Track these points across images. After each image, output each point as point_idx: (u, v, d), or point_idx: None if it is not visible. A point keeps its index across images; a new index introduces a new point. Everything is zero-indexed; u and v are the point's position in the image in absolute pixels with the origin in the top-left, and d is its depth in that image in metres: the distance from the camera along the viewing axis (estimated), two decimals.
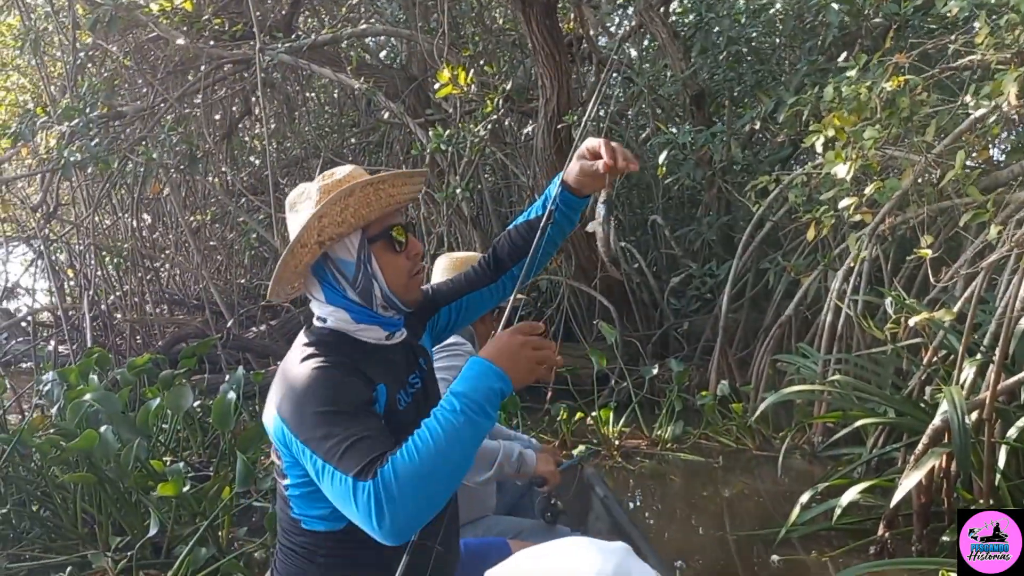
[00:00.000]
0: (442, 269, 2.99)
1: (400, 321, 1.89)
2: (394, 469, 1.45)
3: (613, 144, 1.81)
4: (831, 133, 4.20)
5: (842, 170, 4.06)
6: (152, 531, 3.06)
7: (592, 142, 1.84)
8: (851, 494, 3.57)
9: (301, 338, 1.80)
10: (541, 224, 1.94)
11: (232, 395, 3.79)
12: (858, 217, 4.33)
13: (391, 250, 1.79)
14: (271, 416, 1.68)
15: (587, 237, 6.98)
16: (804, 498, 3.76)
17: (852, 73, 4.30)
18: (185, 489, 3.26)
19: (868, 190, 4.09)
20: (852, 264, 4.89)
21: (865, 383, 4.51)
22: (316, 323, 1.84)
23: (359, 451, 1.49)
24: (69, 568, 3.22)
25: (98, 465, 3.39)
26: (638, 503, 4.83)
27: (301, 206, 1.80)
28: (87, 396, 3.65)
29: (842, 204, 4.18)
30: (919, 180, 4.34)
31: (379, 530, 1.44)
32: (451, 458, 1.48)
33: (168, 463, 3.77)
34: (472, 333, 2.92)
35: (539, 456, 2.77)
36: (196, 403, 4.76)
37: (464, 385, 1.56)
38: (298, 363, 1.69)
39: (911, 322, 3.64)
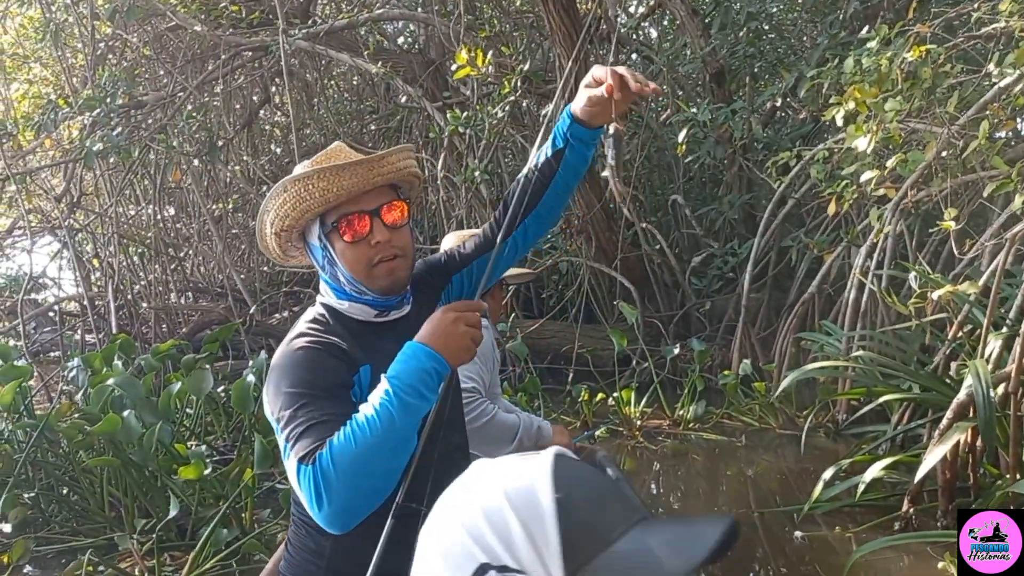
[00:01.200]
0: (449, 244, 2.97)
1: (394, 300, 1.83)
2: (331, 454, 1.45)
3: (620, 69, 1.67)
4: (852, 106, 4.14)
5: (863, 143, 4.00)
6: (172, 513, 3.09)
7: (598, 70, 1.70)
8: (875, 470, 3.54)
9: (306, 314, 1.81)
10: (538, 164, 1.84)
11: (252, 379, 3.82)
12: (881, 191, 4.28)
13: (343, 240, 1.76)
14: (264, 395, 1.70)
15: (607, 218, 6.96)
16: (827, 475, 3.73)
17: (873, 45, 4.23)
18: (207, 472, 3.28)
19: (890, 163, 4.03)
20: (875, 239, 4.82)
21: (889, 359, 4.46)
22: (318, 298, 1.85)
23: (311, 434, 1.49)
24: (90, 551, 3.25)
25: (122, 449, 3.42)
26: (661, 483, 4.81)
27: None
28: (110, 381, 3.68)
29: (864, 178, 4.12)
30: (942, 152, 4.26)
31: (320, 514, 1.44)
32: (388, 441, 1.47)
33: (192, 447, 3.81)
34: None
35: (555, 428, 2.78)
36: (220, 388, 4.81)
37: (396, 368, 1.55)
38: (288, 342, 1.70)
39: (935, 296, 3.59)
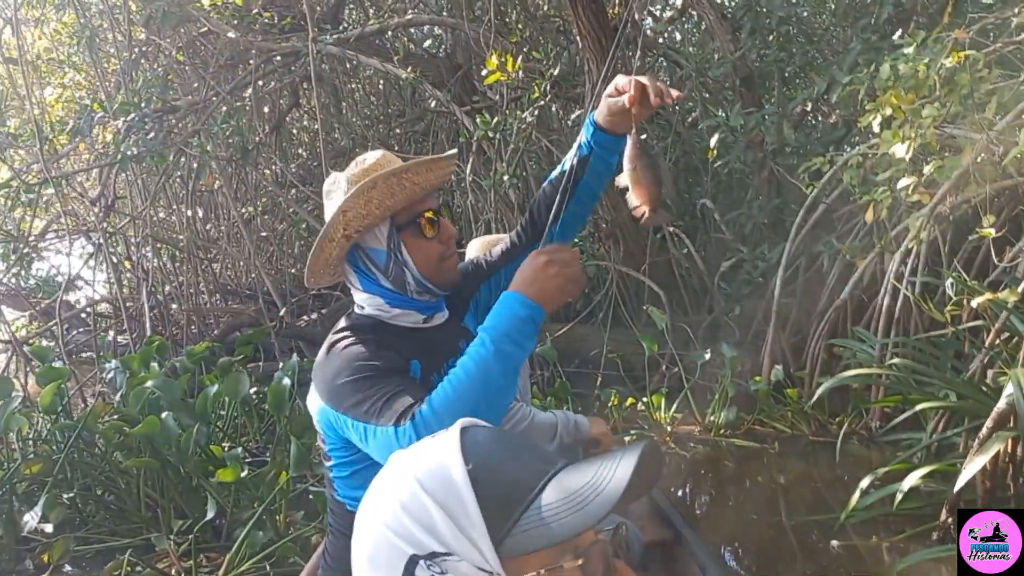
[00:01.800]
0: (474, 252, 2.97)
1: (439, 303, 1.89)
2: (431, 407, 1.48)
3: (643, 79, 1.68)
4: (888, 112, 4.12)
5: (901, 149, 3.98)
6: (209, 514, 3.13)
7: (620, 79, 1.73)
8: (913, 479, 3.50)
9: (339, 324, 1.83)
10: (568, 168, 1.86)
11: (287, 381, 3.85)
12: (916, 197, 4.24)
13: (421, 236, 1.79)
14: (313, 399, 1.71)
15: (635, 222, 6.94)
16: (864, 483, 3.69)
17: (909, 50, 4.20)
18: (243, 474, 3.31)
19: (927, 169, 4.00)
20: (910, 245, 4.78)
21: (924, 366, 4.42)
22: (356, 310, 1.86)
23: (394, 404, 1.53)
24: (129, 551, 3.29)
25: (159, 450, 3.46)
26: (692, 489, 4.80)
27: (333, 195, 1.83)
28: (148, 383, 3.72)
29: (900, 184, 4.10)
30: (980, 159, 4.22)
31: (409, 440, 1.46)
32: (486, 389, 1.51)
33: (227, 448, 3.84)
34: None
35: (591, 420, 2.78)
36: (252, 390, 4.85)
37: (491, 320, 1.59)
38: (331, 346, 1.74)
39: (973, 303, 3.56)
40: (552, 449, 2.62)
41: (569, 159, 1.91)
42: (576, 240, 6.91)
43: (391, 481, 0.88)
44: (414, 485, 0.84)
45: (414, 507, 0.83)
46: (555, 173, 1.97)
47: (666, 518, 3.07)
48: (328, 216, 1.79)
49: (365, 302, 1.84)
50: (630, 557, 0.91)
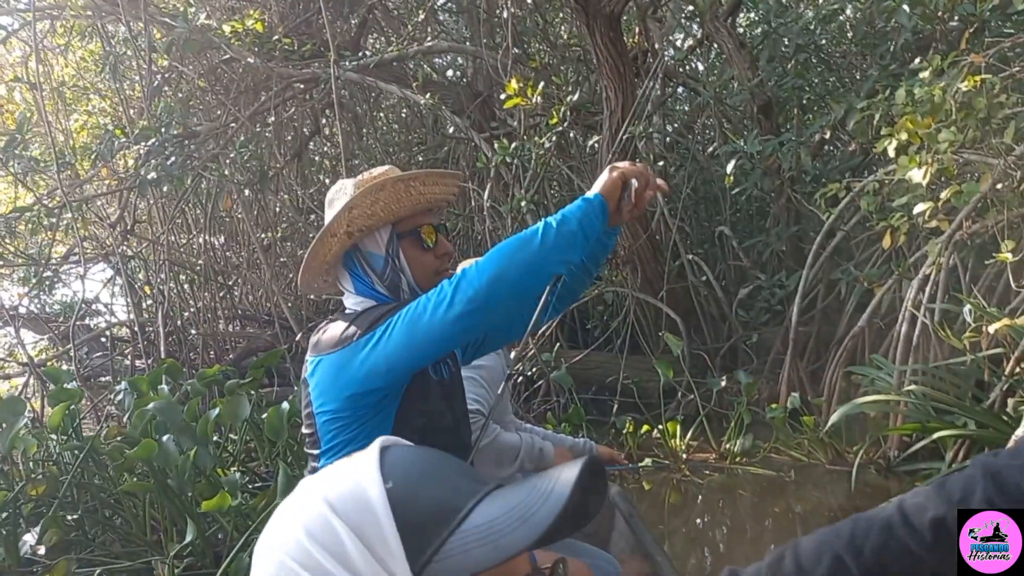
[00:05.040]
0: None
1: None
2: (474, 265, 1.64)
3: (634, 182, 1.79)
4: (904, 137, 4.08)
5: (918, 175, 3.94)
6: (188, 538, 3.09)
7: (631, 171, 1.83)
8: None
9: (335, 323, 1.85)
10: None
11: (286, 406, 3.83)
12: (934, 223, 4.19)
13: (419, 247, 1.85)
14: (312, 364, 1.74)
15: (653, 249, 6.92)
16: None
17: (925, 75, 4.17)
18: (236, 502, 3.27)
19: (945, 194, 3.96)
20: (928, 272, 4.72)
21: (943, 394, 4.34)
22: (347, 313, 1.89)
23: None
24: (126, 575, 3.27)
25: (158, 473, 3.45)
26: (706, 518, 4.72)
27: (337, 201, 1.85)
28: (149, 406, 3.72)
29: (917, 210, 4.05)
30: (998, 184, 4.17)
31: (451, 307, 1.61)
32: (529, 250, 1.64)
33: (233, 472, 3.83)
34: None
35: (557, 451, 2.76)
36: (264, 415, 4.84)
37: (565, 210, 1.74)
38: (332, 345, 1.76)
39: (991, 330, 3.50)
40: (512, 471, 2.60)
41: None
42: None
43: (298, 506, 0.77)
44: (323, 508, 0.73)
45: (322, 533, 0.72)
46: None
47: (648, 553, 3.02)
48: (328, 219, 1.82)
49: (357, 307, 1.86)
50: None
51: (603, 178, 1.78)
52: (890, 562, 0.91)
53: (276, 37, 7.18)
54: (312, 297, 9.62)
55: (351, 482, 0.75)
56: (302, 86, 8.00)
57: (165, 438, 3.41)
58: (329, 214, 1.87)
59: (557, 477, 0.75)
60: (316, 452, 1.81)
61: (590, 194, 1.77)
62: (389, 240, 1.84)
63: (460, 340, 1.69)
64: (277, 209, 9.39)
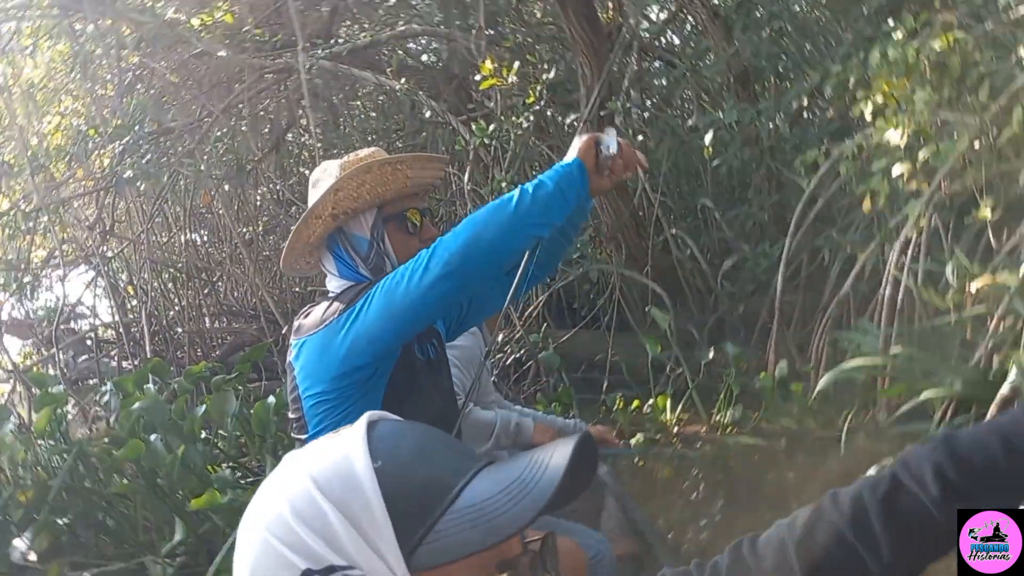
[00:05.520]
0: None
1: None
2: (452, 231, 1.68)
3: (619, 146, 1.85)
4: (880, 99, 4.07)
5: (895, 136, 3.93)
6: (177, 537, 3.08)
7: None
8: None
9: (319, 306, 1.85)
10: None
11: (272, 400, 3.81)
12: (913, 185, 4.18)
13: (404, 231, 1.86)
14: (296, 347, 1.74)
15: (635, 224, 6.90)
16: (871, 473, 3.62)
17: (898, 36, 4.15)
18: (228, 498, 3.25)
19: (922, 155, 3.95)
20: (910, 234, 4.72)
21: (929, 355, 4.35)
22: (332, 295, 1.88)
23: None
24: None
25: (148, 473, 3.43)
26: (700, 490, 4.74)
27: (322, 183, 1.84)
28: (135, 405, 3.69)
29: (895, 172, 4.04)
30: (975, 143, 4.16)
31: (428, 263, 1.63)
32: (504, 212, 1.67)
33: (224, 468, 3.81)
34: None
35: (536, 427, 2.75)
36: (252, 409, 4.81)
37: (543, 176, 1.80)
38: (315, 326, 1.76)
39: (972, 288, 3.50)
40: (487, 447, 2.60)
41: None
42: (577, 245, 6.91)
43: (282, 481, 0.74)
44: (309, 486, 0.71)
45: (309, 512, 0.70)
46: None
47: (638, 531, 3.03)
48: (312, 201, 1.82)
49: (340, 290, 1.85)
50: (559, 569, 0.79)
51: (575, 143, 1.84)
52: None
53: (246, 28, 7.10)
54: (297, 289, 9.58)
55: (338, 459, 0.73)
56: (274, 76, 7.92)
57: (152, 438, 3.39)
58: (313, 195, 1.86)
59: (552, 453, 0.72)
60: (304, 437, 1.81)
61: (566, 160, 1.79)
62: (375, 223, 1.85)
63: (439, 307, 1.69)
64: (258, 203, 9.33)
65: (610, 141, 1.83)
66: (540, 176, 1.78)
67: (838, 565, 0.90)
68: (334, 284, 1.89)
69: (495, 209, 1.67)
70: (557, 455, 0.71)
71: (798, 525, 0.94)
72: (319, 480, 0.72)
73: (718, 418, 5.23)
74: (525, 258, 1.86)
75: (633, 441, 4.98)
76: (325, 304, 1.79)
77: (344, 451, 0.74)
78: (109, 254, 7.73)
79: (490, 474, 0.74)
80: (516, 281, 1.91)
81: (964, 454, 0.86)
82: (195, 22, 6.78)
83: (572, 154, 1.82)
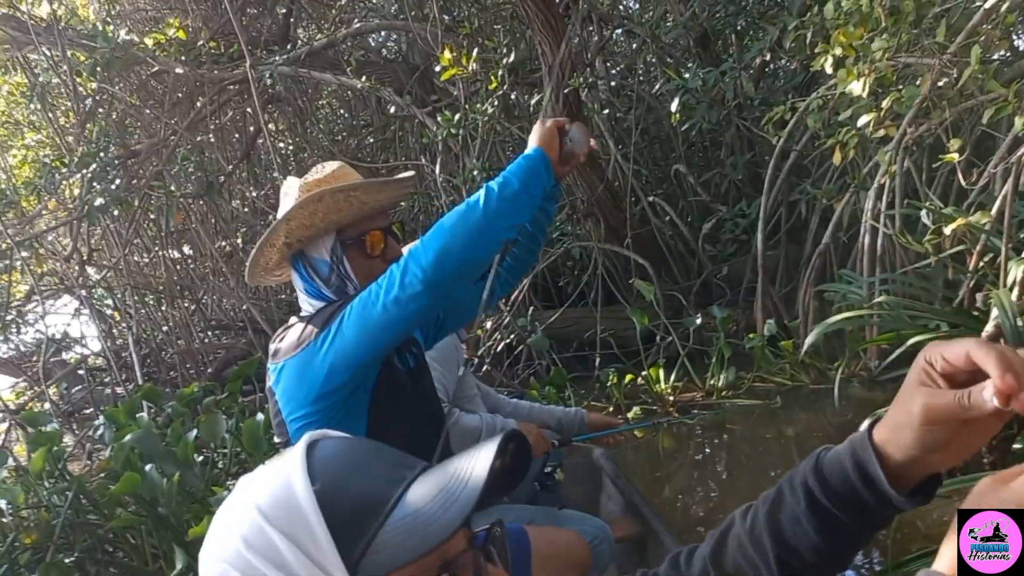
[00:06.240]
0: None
1: None
2: (420, 242, 1.66)
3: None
4: (839, 51, 4.06)
5: (857, 87, 3.92)
6: (179, 566, 3.08)
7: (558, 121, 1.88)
8: None
9: (291, 331, 1.84)
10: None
11: (261, 416, 3.80)
12: (881, 132, 4.18)
13: (364, 254, 1.82)
14: (274, 372, 1.73)
15: (611, 197, 6.89)
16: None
17: None
18: None
19: (886, 103, 3.94)
20: (883, 181, 4.73)
21: (914, 300, 4.38)
22: (303, 314, 1.87)
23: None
24: None
25: (148, 504, 3.42)
26: (703, 455, 4.76)
27: (285, 200, 1.83)
28: (127, 438, 3.68)
29: (861, 121, 4.04)
30: (938, 84, 4.16)
31: (402, 279, 1.62)
32: (473, 214, 1.65)
33: (223, 492, 3.80)
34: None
35: (521, 425, 2.75)
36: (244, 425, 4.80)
37: (506, 171, 1.76)
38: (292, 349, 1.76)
39: (947, 230, 3.51)
40: None
41: None
42: (556, 223, 6.90)
43: (232, 512, 0.80)
44: (256, 517, 0.76)
45: (258, 541, 0.75)
46: None
47: (638, 513, 3.05)
48: (280, 215, 1.81)
49: (310, 307, 1.85)
50: (508, 558, 0.83)
51: (536, 131, 1.80)
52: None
53: (201, 43, 7.04)
54: (283, 296, 9.55)
55: (280, 487, 0.78)
56: (235, 87, 7.85)
57: (148, 467, 3.37)
58: (281, 208, 1.86)
59: (476, 456, 0.77)
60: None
61: (528, 150, 1.77)
62: (333, 247, 1.83)
63: (414, 321, 1.67)
64: (233, 214, 9.28)
65: (575, 135, 1.82)
66: (504, 172, 1.73)
67: (742, 573, 0.95)
68: (304, 303, 1.88)
69: (462, 215, 1.64)
70: (481, 459, 0.76)
71: (715, 535, 0.99)
72: (265, 510, 0.76)
73: (712, 383, 5.25)
74: (494, 263, 1.86)
75: (631, 415, 5.00)
76: (300, 327, 1.78)
77: (285, 477, 0.78)
78: (91, 282, 7.67)
79: (425, 480, 0.78)
80: (487, 290, 1.91)
81: (826, 470, 0.90)
82: (149, 42, 6.71)
83: (533, 142, 1.79)
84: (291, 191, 1.85)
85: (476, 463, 0.76)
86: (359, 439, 0.88)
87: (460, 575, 0.77)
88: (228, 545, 0.76)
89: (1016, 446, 3.30)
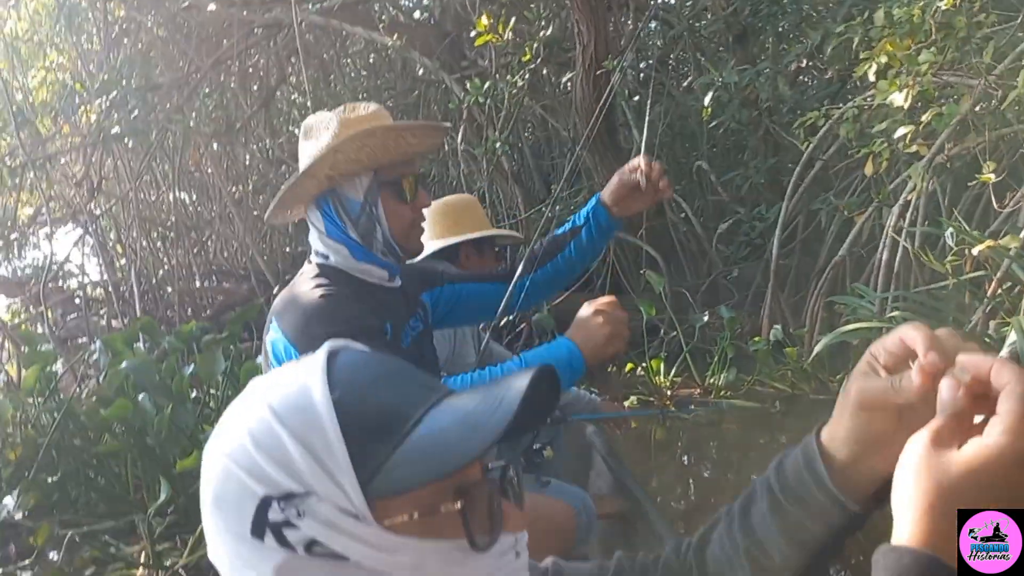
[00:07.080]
0: (433, 212, 2.83)
1: (397, 268, 1.87)
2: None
3: (656, 164, 1.84)
4: (884, 60, 4.00)
5: (899, 98, 3.86)
6: (162, 497, 3.04)
7: (635, 160, 1.86)
8: None
9: (308, 270, 1.80)
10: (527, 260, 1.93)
11: (260, 360, 3.76)
12: (914, 148, 4.13)
13: (398, 198, 1.78)
14: (273, 338, 1.68)
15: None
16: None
17: None
18: None
19: (925, 117, 3.89)
20: (909, 198, 4.68)
21: (925, 319, 4.33)
22: (316, 258, 1.82)
23: None
24: (106, 535, 3.22)
25: (137, 433, 3.39)
26: (693, 453, 4.74)
27: (320, 134, 1.76)
28: (123, 364, 3.64)
29: (898, 134, 3.98)
30: (978, 106, 4.11)
31: None
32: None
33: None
34: None
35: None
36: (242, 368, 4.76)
37: (534, 351, 1.71)
38: (307, 289, 1.71)
39: (974, 251, 3.47)
40: None
41: (573, 223, 2.02)
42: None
43: (242, 410, 0.75)
44: (268, 415, 0.72)
45: (267, 441, 0.70)
46: (559, 231, 2.06)
47: (626, 490, 3.02)
48: (309, 154, 1.75)
49: (329, 250, 1.80)
50: (521, 498, 0.80)
51: (579, 321, 1.73)
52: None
53: None
54: (288, 250, 9.52)
55: (297, 389, 0.74)
56: (264, 31, 7.77)
57: (141, 397, 3.34)
58: (305, 146, 1.79)
59: (508, 386, 0.73)
60: None
61: (565, 343, 1.69)
62: (369, 188, 1.77)
63: None
64: (247, 161, 9.22)
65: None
66: (534, 358, 1.69)
67: (720, 570, 0.94)
68: (320, 244, 1.81)
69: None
70: (514, 388, 0.72)
71: (706, 527, 0.98)
72: (278, 410, 0.72)
73: (712, 381, 5.21)
74: (518, 271, 1.88)
75: (627, 403, 4.96)
76: (308, 291, 1.73)
77: (303, 381, 0.74)
78: (97, 212, 7.62)
79: (449, 405, 0.75)
80: (509, 291, 1.91)
81: (787, 469, 0.87)
82: None
83: (578, 338, 1.68)
84: (329, 124, 1.77)
85: (507, 393, 0.72)
86: (386, 355, 0.83)
87: (473, 505, 0.73)
88: (234, 440, 0.72)
89: None
